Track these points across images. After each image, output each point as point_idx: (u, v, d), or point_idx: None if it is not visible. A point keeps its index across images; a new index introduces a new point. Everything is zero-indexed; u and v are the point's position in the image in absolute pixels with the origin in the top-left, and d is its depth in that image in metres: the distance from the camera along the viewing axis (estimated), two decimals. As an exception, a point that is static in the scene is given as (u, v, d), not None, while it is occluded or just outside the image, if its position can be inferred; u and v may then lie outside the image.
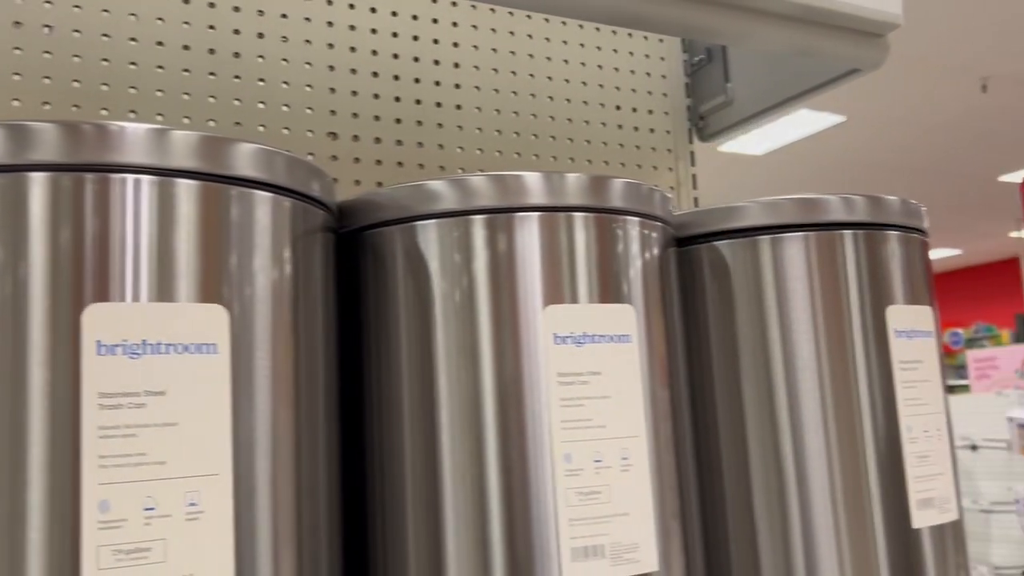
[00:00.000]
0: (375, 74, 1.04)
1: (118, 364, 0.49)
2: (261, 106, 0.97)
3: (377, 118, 1.03)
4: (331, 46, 1.02)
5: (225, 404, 0.52)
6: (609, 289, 0.69)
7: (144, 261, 0.53)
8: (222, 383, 0.53)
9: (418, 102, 1.06)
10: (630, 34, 1.20)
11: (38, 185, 0.53)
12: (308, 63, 1.00)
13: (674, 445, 0.71)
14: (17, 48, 0.87)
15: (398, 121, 1.05)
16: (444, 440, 0.66)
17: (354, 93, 1.03)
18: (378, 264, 0.70)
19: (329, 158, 0.99)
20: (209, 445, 0.51)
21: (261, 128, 0.96)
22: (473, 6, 1.11)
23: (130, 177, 0.54)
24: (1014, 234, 9.03)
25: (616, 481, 0.64)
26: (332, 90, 1.01)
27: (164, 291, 0.53)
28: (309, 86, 1.00)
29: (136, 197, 0.55)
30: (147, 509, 0.48)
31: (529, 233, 0.69)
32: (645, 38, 1.21)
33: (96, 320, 0.49)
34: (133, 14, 0.92)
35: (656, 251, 0.74)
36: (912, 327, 0.82)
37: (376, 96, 1.04)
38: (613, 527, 0.64)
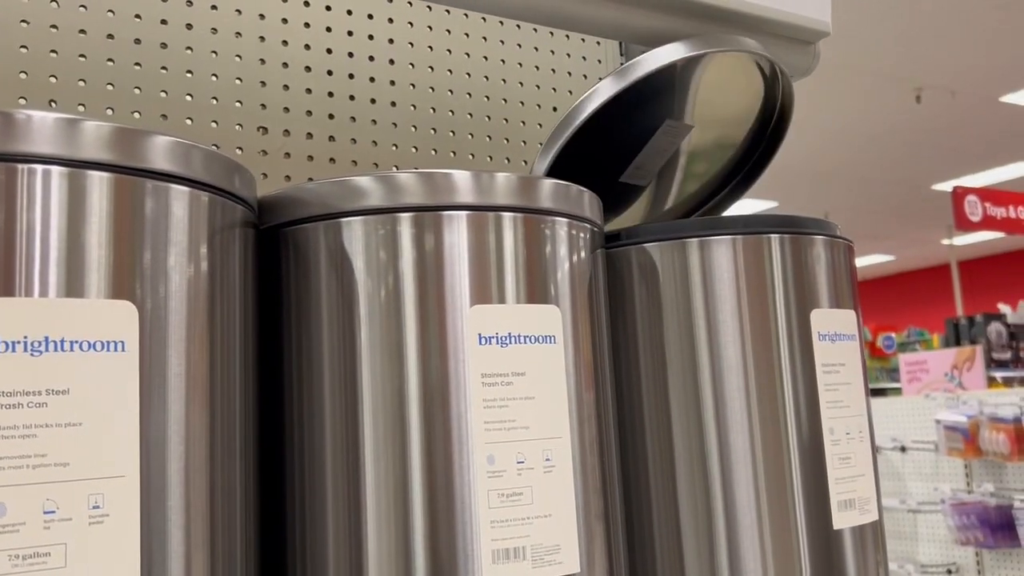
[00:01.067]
0: (308, 68, 1.03)
1: (18, 362, 0.47)
2: (188, 99, 0.94)
3: (310, 113, 1.02)
4: (262, 39, 1.00)
5: (133, 404, 0.51)
6: (536, 290, 0.69)
7: (52, 255, 0.51)
8: (129, 382, 0.51)
9: (352, 98, 1.05)
10: (567, 36, 1.21)
11: (-62, 174, 0.51)
12: (238, 56, 0.98)
13: (598, 447, 0.71)
14: (-72, 32, 0.83)
15: (331, 117, 1.03)
16: (367, 440, 0.65)
17: (286, 88, 1.01)
18: (300, 261, 0.69)
19: (259, 153, 0.98)
20: (115, 446, 0.50)
21: (188, 121, 0.94)
22: (410, 3, 1.10)
23: (39, 167, 0.52)
24: (946, 241, 9.31)
25: (538, 482, 0.64)
26: (263, 83, 0.99)
27: (72, 287, 0.51)
28: (239, 79, 0.98)
29: (45, 188, 0.53)
30: (47, 512, 0.47)
31: (457, 232, 0.68)
32: (583, 40, 1.22)
33: (-5, 315, 0.47)
34: (54, 1, 0.89)
35: (584, 253, 0.74)
36: (836, 330, 0.84)
37: (309, 91, 1.02)
38: (535, 529, 0.63)
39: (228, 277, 0.61)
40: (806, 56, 0.99)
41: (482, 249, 0.68)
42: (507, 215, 0.70)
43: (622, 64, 1.21)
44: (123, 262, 0.54)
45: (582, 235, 0.74)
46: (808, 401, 0.82)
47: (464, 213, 0.69)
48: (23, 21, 0.87)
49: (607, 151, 0.99)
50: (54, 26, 0.89)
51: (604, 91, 0.89)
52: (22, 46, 0.87)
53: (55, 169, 0.54)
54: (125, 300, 0.52)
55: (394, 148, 1.07)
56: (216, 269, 0.59)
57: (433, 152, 1.09)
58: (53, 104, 0.88)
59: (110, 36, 0.91)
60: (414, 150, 1.08)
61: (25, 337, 0.48)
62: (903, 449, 3.73)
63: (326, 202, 0.69)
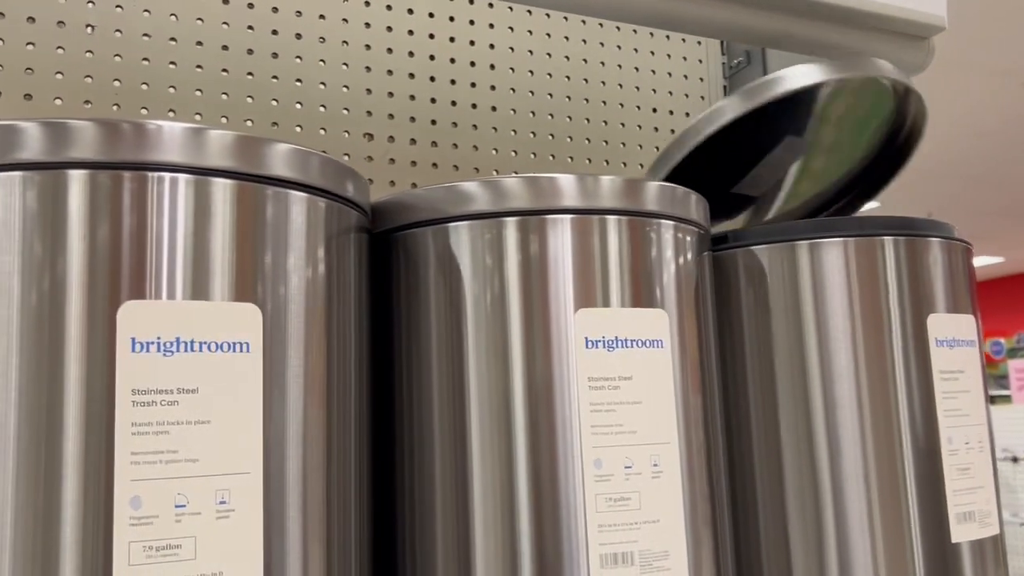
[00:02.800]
0: (411, 75, 1.04)
1: (152, 361, 0.49)
2: (298, 107, 0.97)
3: (412, 119, 1.03)
4: (368, 47, 1.02)
5: (257, 403, 0.53)
6: (642, 293, 0.69)
7: (179, 259, 0.54)
8: (254, 381, 0.53)
9: (453, 104, 1.06)
10: (667, 36, 1.19)
11: (76, 183, 0.54)
12: (345, 64, 1.00)
13: (706, 452, 0.70)
14: (60, 47, 0.88)
15: (433, 123, 1.05)
16: (473, 442, 0.66)
17: (390, 94, 1.03)
18: (410, 265, 0.70)
19: (365, 159, 1.00)
20: (240, 443, 0.51)
21: (298, 128, 0.97)
22: (510, 8, 1.10)
23: (167, 175, 0.55)
24: (1060, 242, 8.83)
25: (646, 487, 0.64)
26: (368, 91, 1.02)
27: (199, 289, 0.53)
28: (346, 87, 1.00)
29: (173, 195, 0.55)
30: (178, 506, 0.49)
31: (561, 235, 0.68)
32: (683, 40, 1.20)
33: (131, 317, 0.50)
34: (173, 14, 0.93)
35: (691, 255, 0.73)
36: (954, 336, 0.81)
37: (412, 97, 1.04)
38: (642, 534, 0.63)
39: (343, 280, 0.62)
40: (920, 52, 0.96)
41: (587, 252, 0.68)
42: (612, 218, 0.70)
43: (725, 63, 1.19)
44: (247, 266, 0.56)
45: (688, 237, 0.73)
46: (924, 409, 0.79)
47: (569, 217, 0.69)
48: (144, 35, 0.92)
49: (720, 161, 0.97)
50: (173, 39, 0.93)
51: (729, 111, 0.88)
52: (144, 59, 0.91)
53: (182, 177, 0.56)
54: (250, 303, 0.54)
55: (494, 152, 1.08)
56: (332, 272, 0.61)
57: (532, 156, 1.10)
58: (172, 113, 0.92)
59: (224, 47, 0.95)
60: (514, 154, 1.09)
61: (158, 338, 0.50)
62: (1015, 460, 3.56)
63: (434, 207, 0.70)
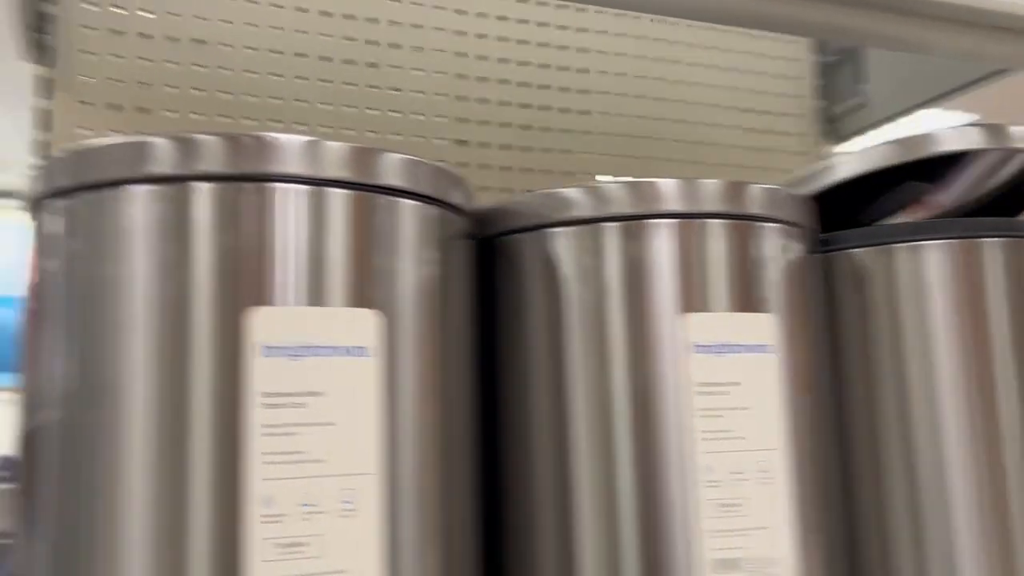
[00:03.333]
0: (504, 81, 1.05)
1: (281, 365, 0.51)
2: (396, 115, 0.99)
3: (506, 125, 1.05)
4: (462, 55, 1.04)
5: (377, 405, 0.54)
6: (748, 298, 0.68)
7: (302, 267, 0.56)
8: (374, 385, 0.54)
9: (545, 108, 1.07)
10: (760, 35, 1.18)
11: (202, 194, 0.56)
12: (441, 72, 1.02)
13: (814, 457, 0.69)
14: (171, 62, 0.92)
15: (526, 127, 1.06)
16: (578, 447, 0.66)
17: (483, 100, 1.04)
18: (512, 271, 0.71)
19: (459, 164, 1.01)
20: (363, 445, 0.53)
21: (396, 136, 0.99)
22: (600, 11, 1.11)
23: (290, 187, 0.57)
24: None
25: (755, 494, 0.63)
26: (462, 98, 1.03)
27: (320, 296, 0.55)
28: (441, 94, 1.02)
29: (292, 206, 0.57)
30: (305, 505, 0.51)
31: (664, 240, 0.68)
32: (776, 39, 1.19)
33: (261, 323, 0.52)
34: (278, 27, 0.96)
35: (797, 258, 0.72)
36: (1070, 341, 0.78)
37: (505, 103, 1.05)
38: (751, 540, 0.63)
39: (452, 285, 0.64)
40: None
41: (690, 257, 0.68)
42: (715, 222, 0.70)
43: (818, 61, 1.17)
44: (364, 273, 0.57)
45: (794, 240, 0.72)
46: (1038, 416, 0.77)
47: (671, 221, 0.69)
48: (248, 47, 0.95)
49: (834, 193, 0.94)
50: (276, 51, 0.96)
51: (849, 167, 0.84)
52: (249, 71, 0.95)
53: (300, 188, 0.58)
54: (368, 308, 0.56)
55: (587, 155, 1.08)
56: (442, 278, 0.62)
57: (625, 158, 1.10)
58: (277, 124, 0.95)
59: (325, 59, 0.98)
60: (605, 156, 1.09)
61: (287, 343, 0.52)
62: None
63: (536, 213, 0.71)
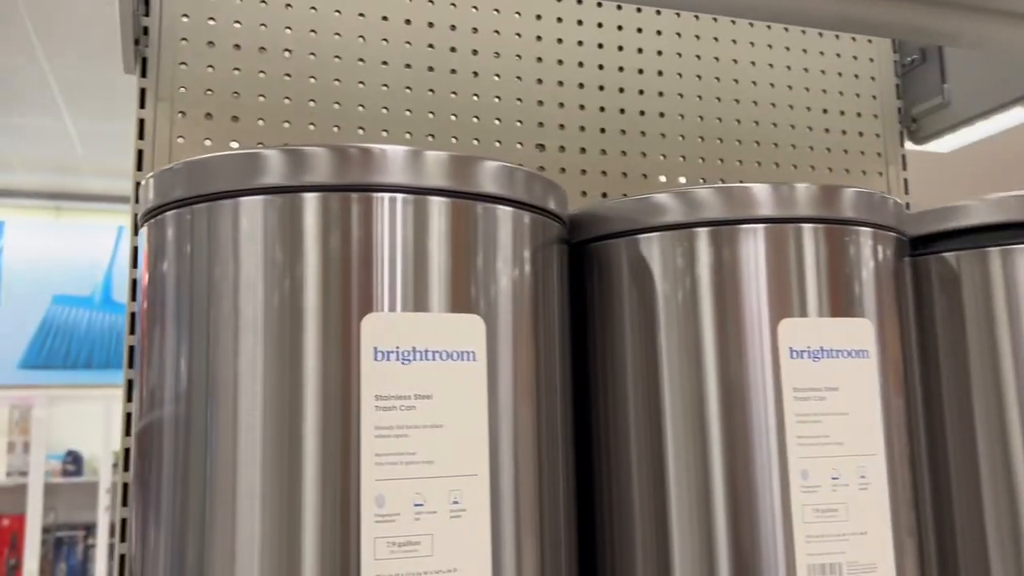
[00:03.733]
0: (581, 85, 1.06)
1: (392, 369, 0.53)
2: (475, 120, 1.01)
3: (583, 129, 1.05)
4: (540, 60, 1.05)
5: (483, 408, 0.56)
6: (842, 303, 0.68)
7: (407, 274, 0.57)
8: (480, 388, 0.56)
9: (622, 111, 1.07)
10: (837, 36, 1.17)
11: (311, 204, 0.58)
12: (519, 77, 1.03)
13: (910, 463, 0.69)
14: (261, 71, 0.94)
15: (602, 131, 1.06)
16: (671, 453, 0.67)
17: (560, 105, 1.05)
18: (604, 275, 0.72)
19: (537, 169, 1.02)
20: (470, 447, 0.54)
21: (475, 142, 1.00)
22: (677, 14, 1.11)
23: (395, 196, 0.58)
24: None
25: (853, 499, 0.63)
26: (540, 103, 1.04)
27: (424, 302, 0.57)
28: (519, 99, 1.03)
29: (397, 214, 0.59)
30: (416, 505, 0.52)
31: (756, 245, 0.69)
32: (853, 39, 1.17)
33: (373, 328, 0.53)
34: (361, 36, 0.98)
35: (891, 262, 0.72)
36: None
37: (582, 107, 1.06)
38: (850, 546, 0.62)
39: (548, 290, 0.65)
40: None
41: (784, 261, 0.68)
42: (808, 226, 0.69)
43: (897, 62, 1.15)
44: (467, 279, 0.59)
45: (888, 244, 0.72)
46: None
47: (763, 226, 0.69)
48: (336, 57, 0.97)
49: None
50: (361, 59, 0.98)
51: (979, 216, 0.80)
52: (336, 79, 0.97)
53: (403, 196, 0.59)
54: (473, 314, 0.57)
55: (662, 159, 1.08)
56: (539, 283, 0.63)
57: (701, 161, 1.10)
58: (361, 132, 0.97)
59: (407, 66, 0.99)
60: (682, 159, 1.09)
61: (397, 347, 0.53)
62: None
63: (627, 218, 0.72)
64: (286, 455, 0.53)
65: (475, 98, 1.01)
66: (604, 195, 1.05)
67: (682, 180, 1.08)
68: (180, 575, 0.55)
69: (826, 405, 0.64)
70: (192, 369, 0.57)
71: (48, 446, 4.65)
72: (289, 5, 0.96)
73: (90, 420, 4.76)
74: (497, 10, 1.03)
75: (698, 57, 1.12)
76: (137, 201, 0.88)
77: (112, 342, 4.91)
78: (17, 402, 4.73)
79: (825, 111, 1.15)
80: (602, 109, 1.07)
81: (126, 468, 0.84)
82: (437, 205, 0.60)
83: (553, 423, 0.63)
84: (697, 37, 1.12)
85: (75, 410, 4.82)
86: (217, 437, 0.55)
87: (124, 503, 0.83)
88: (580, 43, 1.07)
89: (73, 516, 4.73)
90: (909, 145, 1.20)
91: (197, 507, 0.55)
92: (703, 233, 0.69)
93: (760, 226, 0.69)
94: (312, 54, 0.96)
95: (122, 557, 0.83)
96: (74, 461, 4.75)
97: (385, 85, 0.98)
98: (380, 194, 0.59)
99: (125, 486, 0.84)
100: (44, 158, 4.21)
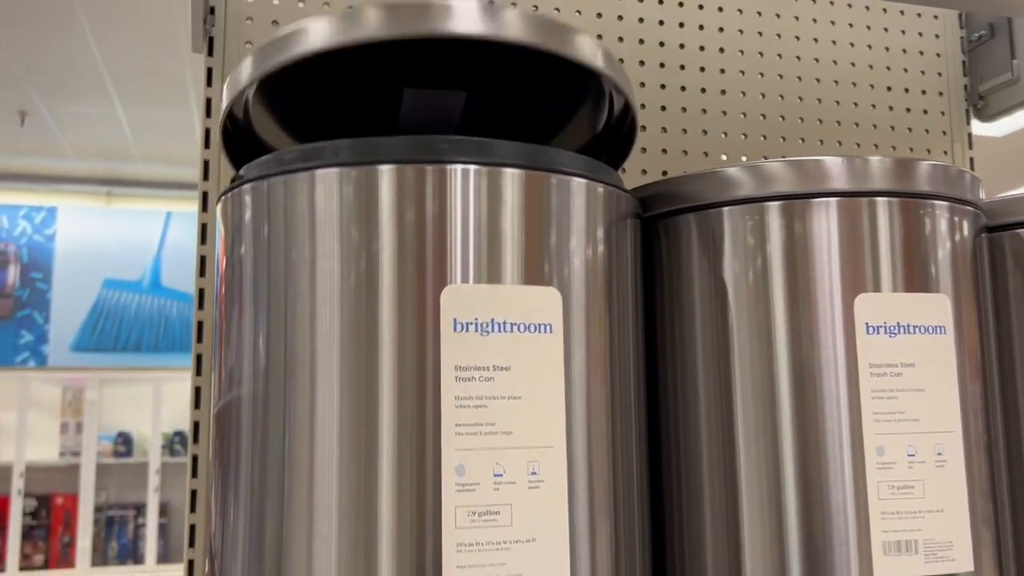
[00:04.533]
0: (641, 63, 1.05)
1: (471, 340, 0.53)
2: (536, 98, 1.00)
3: (643, 107, 1.04)
4: (600, 37, 1.04)
5: (560, 380, 0.56)
6: (918, 277, 0.67)
7: (483, 246, 0.57)
8: (557, 361, 0.56)
9: (683, 89, 1.06)
10: (902, 11, 1.15)
11: (386, 177, 0.59)
12: (579, 55, 1.03)
13: (986, 442, 0.67)
14: (324, 51, 0.95)
15: (663, 109, 1.05)
16: (742, 427, 0.66)
17: (642, 85, 1.04)
18: (675, 250, 0.72)
19: (639, 151, 1.02)
20: (547, 418, 0.54)
21: (536, 119, 1.00)
22: (738, -10, 1.09)
23: (471, 168, 0.58)
24: None
25: (930, 476, 0.62)
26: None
27: (498, 274, 0.57)
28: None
29: (468, 187, 0.59)
30: (496, 475, 0.52)
31: (828, 219, 0.68)
32: (919, 15, 1.15)
33: (453, 300, 0.54)
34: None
35: (967, 237, 0.70)
36: None
37: (643, 85, 1.05)
38: (927, 523, 0.62)
39: (622, 264, 0.65)
40: None
41: (857, 236, 0.67)
42: (882, 200, 0.68)
43: (963, 38, 1.13)
44: (544, 252, 0.59)
45: (964, 219, 0.70)
46: None
47: (836, 199, 0.68)
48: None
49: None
50: (421, 39, 0.98)
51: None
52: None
53: (474, 168, 0.59)
54: (551, 287, 0.57)
55: (723, 136, 1.07)
56: (612, 257, 0.63)
57: (763, 139, 1.08)
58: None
59: (468, 44, 0.99)
60: (743, 137, 1.08)
61: (476, 319, 0.54)
62: None
63: (698, 193, 0.71)
64: (364, 427, 0.54)
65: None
66: (664, 174, 1.04)
67: (743, 159, 1.07)
68: (259, 549, 0.56)
69: (903, 381, 0.63)
70: (270, 345, 0.58)
71: (100, 427, 4.76)
72: (351, -16, 0.96)
73: (140, 402, 4.86)
74: (557, -12, 1.03)
75: (760, 34, 1.10)
76: (206, 179, 0.90)
77: (160, 326, 5.00)
78: (70, 384, 4.85)
79: (889, 89, 1.13)
80: (663, 87, 1.06)
81: (195, 440, 0.85)
82: (510, 177, 0.60)
83: (626, 397, 0.63)
84: (759, 14, 1.10)
85: (125, 392, 4.92)
86: (295, 411, 0.56)
87: (194, 475, 0.85)
88: (640, 20, 1.06)
89: (124, 496, 4.84)
90: (977, 129, 1.18)
91: (276, 481, 0.56)
92: (774, 207, 0.69)
93: (833, 200, 0.68)
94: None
95: (191, 527, 0.85)
96: (125, 442, 4.86)
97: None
98: (453, 166, 0.59)
99: (195, 459, 0.85)
100: (95, 145, 4.29)
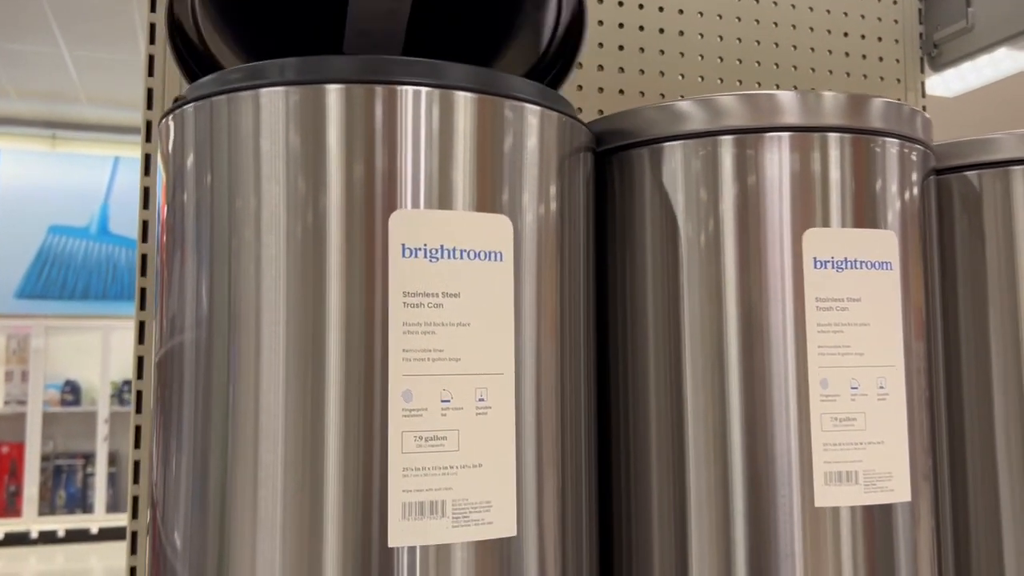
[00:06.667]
0: (600, 1, 1.04)
1: (420, 266, 0.52)
2: (491, 33, 0.99)
3: (601, 45, 1.03)
4: (558, -27, 1.02)
5: (509, 308, 0.55)
6: (867, 214, 0.67)
7: (434, 172, 0.56)
8: (507, 289, 0.55)
9: (641, 28, 1.05)
10: (860, -44, 1.14)
11: (333, 97, 0.57)
12: None
13: (928, 378, 0.69)
14: None
15: (620, 48, 1.04)
16: (688, 358, 0.67)
17: (600, 23, 1.02)
18: (627, 183, 0.71)
19: (575, 88, 1.00)
20: (496, 345, 0.54)
21: (491, 55, 0.98)
22: (698, -71, 1.08)
23: (423, 90, 0.57)
24: None
25: (872, 409, 0.63)
26: (601, 23, 1.01)
27: (449, 200, 0.56)
28: (536, 13, 1.01)
29: (419, 109, 0.57)
30: (443, 401, 0.52)
31: (780, 154, 0.68)
32: (876, -41, 1.15)
33: (402, 225, 0.53)
34: None
35: (917, 176, 0.71)
36: None
37: (600, 23, 1.04)
38: (867, 454, 0.63)
39: (574, 196, 0.64)
40: None
41: (808, 171, 0.67)
42: (834, 135, 0.68)
43: (921, 9, 1.13)
44: (496, 179, 0.58)
45: (915, 157, 0.71)
46: None
47: (788, 134, 0.68)
48: None
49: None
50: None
51: None
52: None
53: (426, 91, 0.58)
54: (501, 214, 0.56)
55: (680, 78, 1.07)
56: (566, 188, 0.63)
57: (719, 81, 1.08)
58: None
59: None
60: (700, 79, 1.07)
61: (425, 245, 0.53)
62: None
63: (649, 127, 0.71)
64: (311, 352, 0.53)
65: (491, 11, 0.99)
66: (600, 112, 1.03)
67: (699, 100, 1.06)
68: (203, 489, 0.55)
69: (848, 316, 0.63)
70: (215, 270, 0.56)
71: (46, 376, 4.67)
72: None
73: (88, 351, 4.77)
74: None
75: (719, -24, 1.09)
76: (150, 108, 0.87)
77: (109, 273, 4.90)
78: (14, 332, 4.74)
79: (846, 34, 1.13)
80: (621, 26, 1.04)
81: (139, 376, 0.84)
82: (463, 100, 0.59)
83: (576, 327, 0.63)
84: (718, -46, 1.09)
85: (72, 341, 4.83)
86: (241, 334, 0.55)
87: (138, 410, 0.83)
88: (598, -43, 1.04)
89: (72, 445, 4.77)
90: (929, 88, 1.19)
91: (221, 408, 0.55)
92: (727, 141, 0.68)
93: (785, 134, 0.68)
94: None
95: (135, 463, 0.84)
96: (72, 391, 4.78)
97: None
98: (404, 87, 0.57)
99: (139, 395, 0.84)
100: (39, 85, 4.14)
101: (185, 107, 0.60)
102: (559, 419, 0.59)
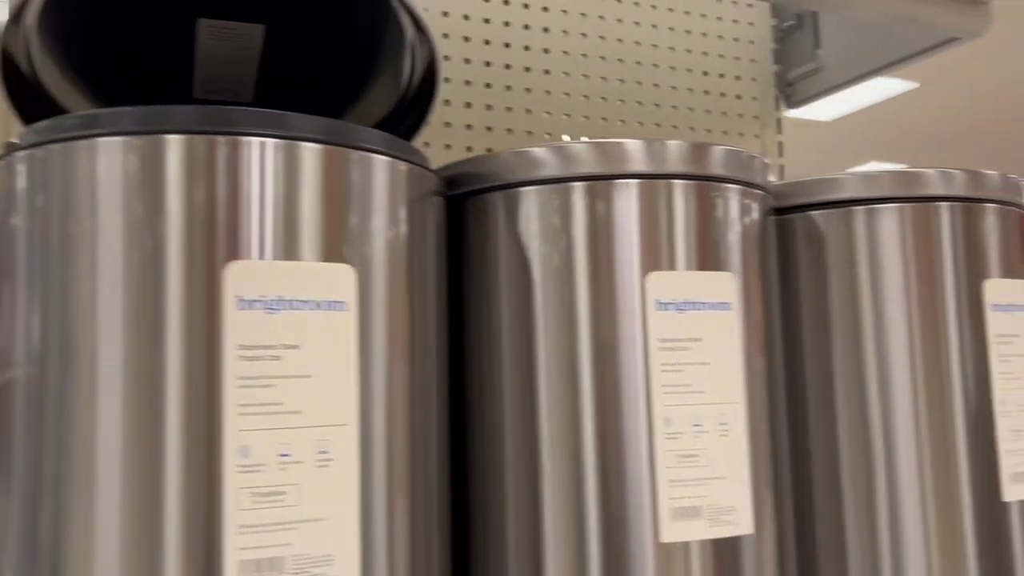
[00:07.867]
0: (466, 39, 1.05)
1: (258, 319, 0.52)
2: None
3: (467, 83, 1.05)
4: (445, 14, 1.03)
5: (352, 358, 0.55)
6: (709, 257, 0.70)
7: (276, 222, 0.56)
8: (350, 339, 0.55)
9: (508, 67, 1.07)
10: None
11: (174, 147, 0.56)
12: (403, 28, 1.02)
13: (769, 412, 0.72)
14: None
15: (488, 86, 1.06)
16: (543, 399, 0.68)
17: (446, 58, 1.04)
18: (481, 229, 0.72)
19: (443, 124, 1.01)
20: (339, 397, 0.54)
21: (358, 92, 0.99)
22: (563, -29, 1.11)
23: (268, 141, 0.57)
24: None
25: (714, 445, 0.66)
26: (447, 58, 1.03)
27: (294, 251, 0.56)
28: (405, 51, 1.02)
29: (264, 160, 0.57)
30: (282, 455, 0.52)
31: (629, 200, 0.70)
32: (734, 2, 1.20)
33: (237, 276, 0.52)
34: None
35: (756, 219, 0.74)
36: (1010, 301, 0.82)
37: (467, 61, 1.05)
38: (710, 489, 0.65)
39: (424, 243, 0.65)
40: (979, 17, 0.96)
41: (654, 216, 0.70)
42: (679, 182, 0.71)
43: (774, 26, 1.19)
44: (338, 228, 0.58)
45: (754, 202, 0.74)
46: (978, 372, 0.81)
47: (636, 181, 0.71)
48: None
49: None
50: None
51: None
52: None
53: (272, 142, 0.58)
54: (344, 263, 0.56)
55: (547, 115, 1.09)
56: (414, 235, 0.63)
57: (584, 119, 1.11)
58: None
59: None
60: (566, 117, 1.10)
61: (263, 296, 0.52)
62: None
63: (504, 172, 0.72)
64: (148, 406, 0.52)
65: (358, 48, 0.99)
66: (489, 151, 1.05)
67: (566, 138, 1.09)
68: (33, 547, 0.53)
69: (689, 355, 0.66)
70: (47, 326, 0.54)
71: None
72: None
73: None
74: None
75: (583, 15, 1.12)
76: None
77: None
78: None
79: (705, 73, 1.18)
80: (487, 64, 1.06)
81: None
82: (309, 151, 0.59)
83: (428, 375, 0.63)
84: (583, -6, 1.12)
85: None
86: (74, 393, 0.53)
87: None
88: (474, -3, 1.06)
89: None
90: (797, 113, 1.25)
91: (52, 468, 0.53)
92: (578, 187, 0.70)
93: (633, 181, 0.70)
94: None
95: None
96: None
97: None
98: (248, 138, 0.57)
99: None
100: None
101: (16, 153, 0.58)
102: (410, 469, 0.60)
